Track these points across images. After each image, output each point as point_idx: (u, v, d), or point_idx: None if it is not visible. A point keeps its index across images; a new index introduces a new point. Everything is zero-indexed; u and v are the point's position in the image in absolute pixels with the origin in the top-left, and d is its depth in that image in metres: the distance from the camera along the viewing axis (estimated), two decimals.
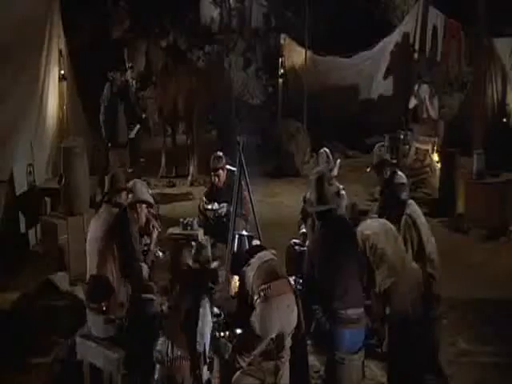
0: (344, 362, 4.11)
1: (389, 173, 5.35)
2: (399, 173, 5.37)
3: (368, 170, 5.74)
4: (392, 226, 4.47)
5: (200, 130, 10.56)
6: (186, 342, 3.90)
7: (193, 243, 5.06)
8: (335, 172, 5.76)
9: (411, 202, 4.86)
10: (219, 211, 5.92)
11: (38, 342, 5.00)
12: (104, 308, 4.31)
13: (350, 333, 4.04)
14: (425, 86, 9.52)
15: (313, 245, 4.30)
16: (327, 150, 5.89)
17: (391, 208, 4.90)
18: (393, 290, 4.27)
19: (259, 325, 3.83)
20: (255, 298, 3.88)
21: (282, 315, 3.89)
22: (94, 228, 4.61)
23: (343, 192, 5.57)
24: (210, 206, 5.96)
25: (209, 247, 5.17)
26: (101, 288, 4.37)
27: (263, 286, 3.89)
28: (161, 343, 3.91)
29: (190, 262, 4.34)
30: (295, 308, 3.97)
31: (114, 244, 4.47)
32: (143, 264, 4.83)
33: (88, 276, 4.55)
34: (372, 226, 4.44)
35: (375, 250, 4.28)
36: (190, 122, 10.34)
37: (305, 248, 5.25)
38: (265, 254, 4.13)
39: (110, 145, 8.59)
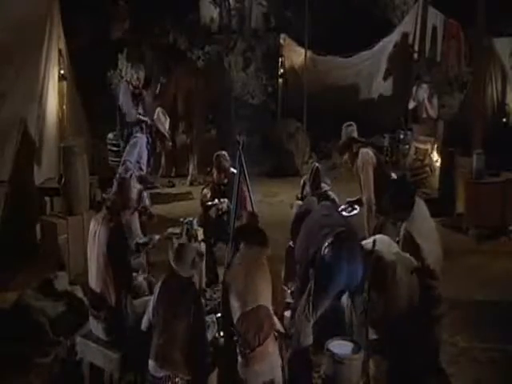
0: (344, 361, 4.11)
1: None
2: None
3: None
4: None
5: (200, 129, 10.56)
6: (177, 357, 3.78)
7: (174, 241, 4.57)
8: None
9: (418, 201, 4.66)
10: (220, 206, 5.91)
11: (37, 342, 5.00)
12: (103, 317, 4.32)
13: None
14: (424, 87, 9.53)
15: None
16: (319, 165, 5.83)
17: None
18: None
19: (242, 375, 3.76)
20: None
21: (265, 374, 3.77)
22: (93, 242, 4.40)
23: (331, 193, 5.56)
24: (210, 203, 5.97)
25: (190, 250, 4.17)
26: (100, 300, 4.34)
27: (244, 349, 3.73)
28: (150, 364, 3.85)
29: (173, 265, 3.97)
30: (279, 368, 3.85)
31: (111, 261, 4.30)
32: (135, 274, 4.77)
33: (89, 281, 4.48)
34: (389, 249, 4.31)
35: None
36: (190, 122, 10.35)
37: None
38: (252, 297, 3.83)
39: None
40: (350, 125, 5.97)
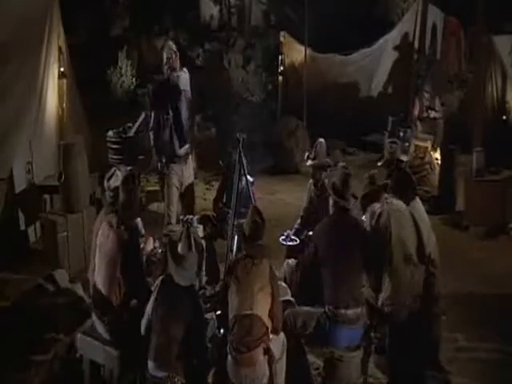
0: (343, 359, 4.12)
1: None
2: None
3: (379, 164, 5.95)
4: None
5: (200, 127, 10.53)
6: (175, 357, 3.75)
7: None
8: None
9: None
10: None
11: (37, 340, 5.00)
12: (107, 321, 4.31)
13: (348, 331, 4.08)
14: (426, 96, 9.64)
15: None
16: (323, 141, 5.85)
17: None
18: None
19: (230, 375, 3.74)
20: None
21: (251, 379, 3.73)
22: (106, 244, 4.33)
23: None
24: None
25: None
26: (105, 303, 4.31)
27: (232, 350, 3.73)
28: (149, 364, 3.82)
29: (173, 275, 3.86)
30: (267, 375, 3.78)
31: (123, 268, 4.25)
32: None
33: (96, 283, 4.41)
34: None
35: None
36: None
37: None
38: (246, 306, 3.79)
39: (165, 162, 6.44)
40: (394, 142, 5.97)
